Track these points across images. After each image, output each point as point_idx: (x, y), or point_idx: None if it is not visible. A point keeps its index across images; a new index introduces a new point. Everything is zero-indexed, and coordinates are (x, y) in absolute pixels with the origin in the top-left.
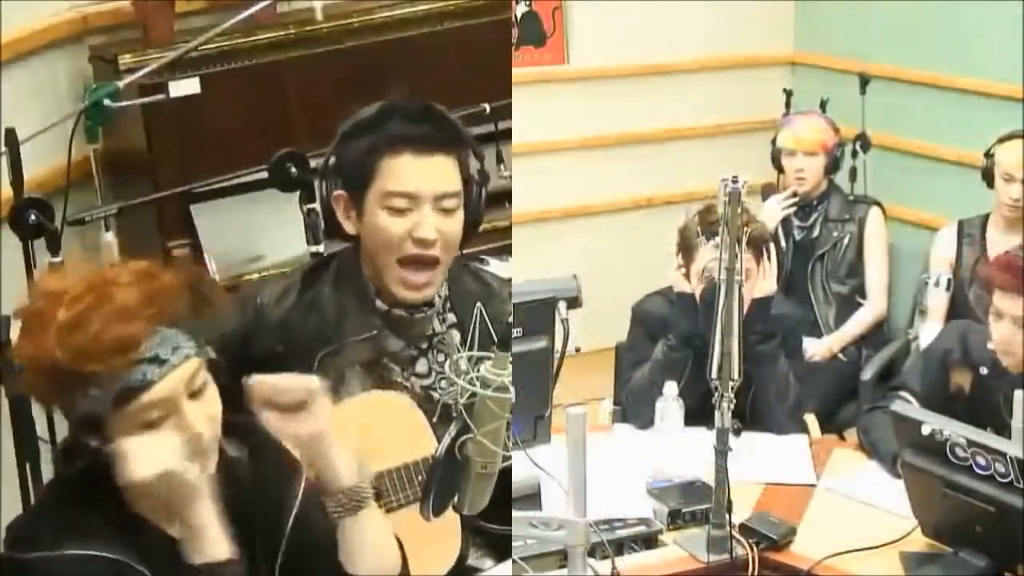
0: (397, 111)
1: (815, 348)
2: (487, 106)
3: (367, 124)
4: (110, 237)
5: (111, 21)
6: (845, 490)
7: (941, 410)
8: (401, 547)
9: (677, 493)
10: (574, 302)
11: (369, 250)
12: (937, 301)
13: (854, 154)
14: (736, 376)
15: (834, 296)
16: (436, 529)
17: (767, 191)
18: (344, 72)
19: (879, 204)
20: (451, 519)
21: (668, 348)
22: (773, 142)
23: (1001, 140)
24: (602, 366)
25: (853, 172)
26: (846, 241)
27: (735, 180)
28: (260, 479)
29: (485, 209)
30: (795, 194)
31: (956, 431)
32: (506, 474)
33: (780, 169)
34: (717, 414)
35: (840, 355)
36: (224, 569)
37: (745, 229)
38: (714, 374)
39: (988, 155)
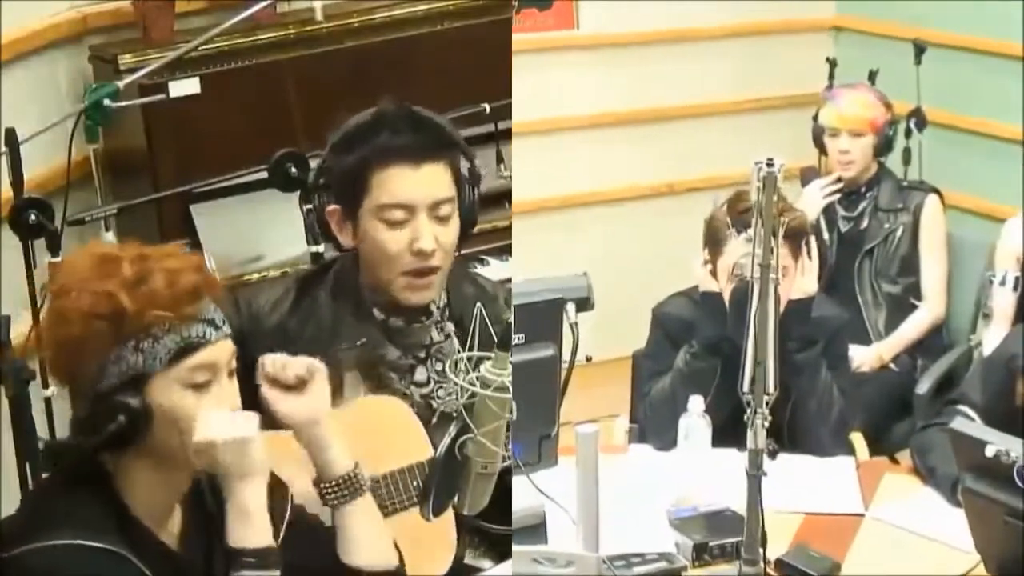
0: (384, 122)
1: (863, 357)
2: (487, 106)
3: (355, 137)
4: (110, 237)
5: (111, 21)
6: (897, 520)
7: (1008, 428)
8: (398, 548)
9: (703, 524)
10: (584, 304)
11: (368, 263)
12: (1004, 302)
13: (908, 133)
14: (771, 389)
15: (885, 297)
16: (433, 531)
17: (807, 176)
18: (344, 72)
19: (937, 191)
20: (448, 521)
21: (693, 357)
22: (814, 119)
23: None
24: (617, 378)
25: (907, 154)
26: (899, 233)
27: (770, 163)
28: None
29: (483, 209)
30: (840, 179)
31: None
32: (506, 474)
33: (822, 150)
34: (750, 433)
35: (892, 365)
36: (265, 557)
37: (782, 220)
38: (746, 387)
39: None
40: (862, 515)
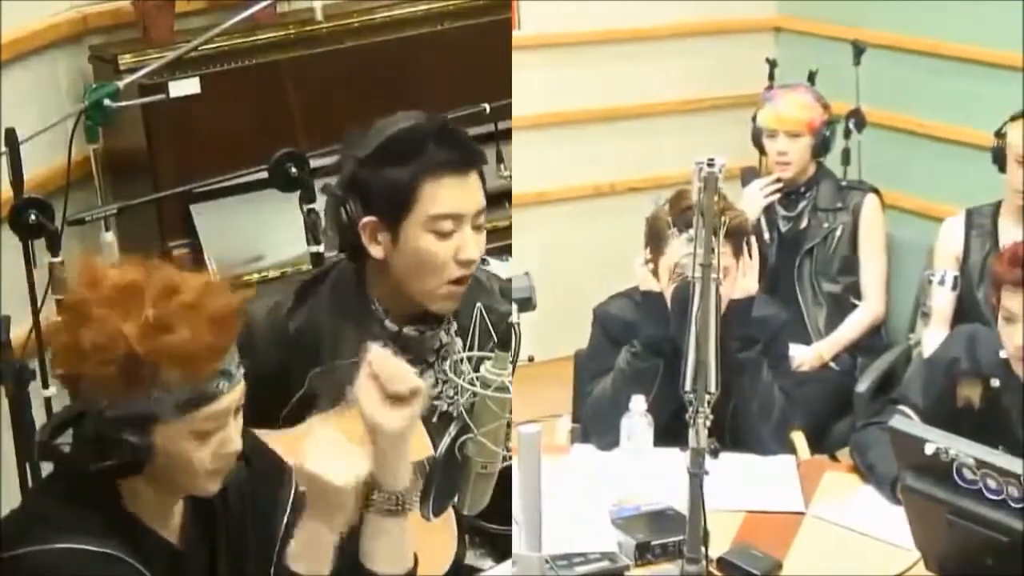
0: (428, 135)
1: (803, 356)
2: (487, 106)
3: (397, 150)
4: (110, 237)
5: (111, 21)
6: (838, 518)
7: (946, 426)
8: (415, 558)
9: (645, 523)
10: (526, 304)
11: (404, 273)
12: (942, 302)
13: (847, 134)
14: (713, 388)
15: (825, 296)
16: (433, 530)
17: (748, 176)
18: (344, 72)
19: (876, 191)
20: (448, 520)
21: (634, 356)
22: (753, 120)
23: (1014, 118)
24: (559, 378)
25: (846, 154)
26: (838, 233)
27: (711, 163)
28: (253, 484)
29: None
30: (779, 179)
31: (963, 450)
32: (506, 473)
33: (762, 151)
34: (691, 432)
35: (832, 364)
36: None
37: (723, 219)
38: (688, 386)
39: (1000, 135)
40: (803, 513)
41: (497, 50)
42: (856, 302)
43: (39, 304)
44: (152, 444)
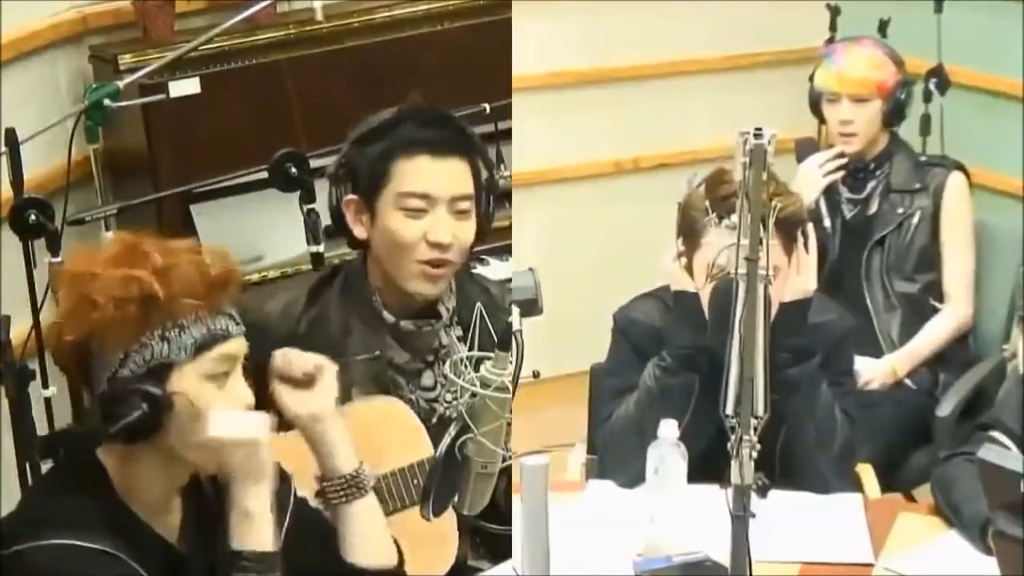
0: (413, 115)
1: (872, 371)
2: (487, 106)
3: (382, 128)
4: (110, 237)
5: (111, 21)
6: (915, 570)
7: None
8: (399, 547)
9: None
10: (531, 307)
11: (381, 254)
12: None
13: (927, 97)
14: (761, 412)
15: (899, 298)
16: (433, 531)
17: (804, 149)
18: (344, 72)
19: (962, 167)
20: (449, 522)
21: (664, 371)
22: (811, 80)
23: None
24: (570, 398)
25: (925, 122)
26: (915, 220)
27: (759, 134)
28: None
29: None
30: (842, 154)
31: None
32: (507, 473)
33: (821, 119)
34: (734, 465)
35: (908, 381)
36: (265, 561)
37: (773, 204)
38: (729, 409)
39: None
40: (871, 565)
41: (497, 50)
42: (938, 305)
43: (39, 304)
44: (169, 394)
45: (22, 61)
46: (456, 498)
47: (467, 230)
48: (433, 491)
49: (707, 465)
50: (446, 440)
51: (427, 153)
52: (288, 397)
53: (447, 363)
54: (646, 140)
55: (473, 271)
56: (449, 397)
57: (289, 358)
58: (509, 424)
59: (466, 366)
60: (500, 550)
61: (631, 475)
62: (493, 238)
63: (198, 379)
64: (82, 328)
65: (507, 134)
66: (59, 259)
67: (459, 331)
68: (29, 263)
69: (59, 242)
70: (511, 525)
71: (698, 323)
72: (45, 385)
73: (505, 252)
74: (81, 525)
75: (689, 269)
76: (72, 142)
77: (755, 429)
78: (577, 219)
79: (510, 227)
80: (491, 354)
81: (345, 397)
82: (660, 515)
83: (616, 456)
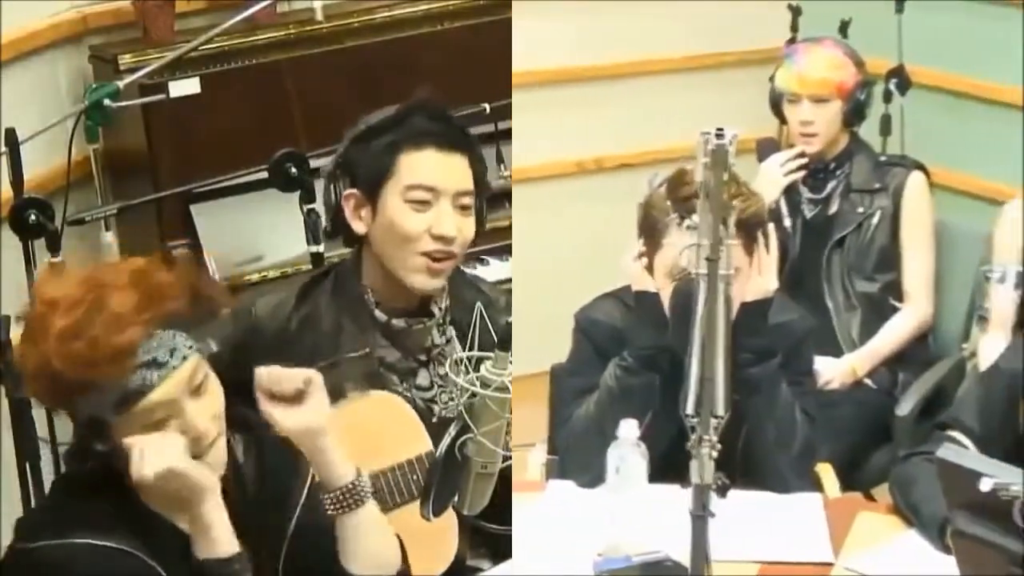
0: (421, 108)
1: (832, 371)
2: (487, 106)
3: (389, 122)
4: (110, 237)
5: (111, 21)
6: (874, 570)
7: (1009, 457)
8: (402, 545)
9: None
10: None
11: (382, 248)
12: (1003, 303)
13: (887, 97)
14: (721, 411)
15: (859, 297)
16: (433, 529)
17: (765, 149)
18: (344, 72)
19: (922, 167)
20: (449, 520)
21: (624, 371)
22: (772, 80)
23: None
24: (531, 398)
25: (886, 123)
26: (876, 220)
27: (720, 134)
28: (262, 476)
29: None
30: (803, 154)
31: None
32: (506, 473)
33: (782, 119)
34: (694, 465)
35: (868, 380)
36: (228, 566)
37: (734, 204)
38: (690, 408)
39: None
40: (831, 564)
41: (497, 50)
42: (898, 304)
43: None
44: (116, 445)
45: (22, 61)
46: (456, 498)
47: (469, 225)
48: (433, 491)
49: (668, 465)
50: (446, 440)
51: (434, 146)
52: (279, 414)
53: (447, 363)
54: (608, 140)
55: (465, 271)
56: (446, 398)
57: (276, 376)
58: (509, 424)
59: (466, 368)
60: (500, 550)
61: (592, 475)
62: (493, 238)
63: (138, 430)
64: (33, 393)
65: (507, 134)
66: (59, 259)
67: (452, 331)
68: (29, 263)
69: (59, 242)
70: (511, 525)
71: (659, 323)
72: None
73: (505, 252)
74: (98, 524)
75: (650, 269)
76: (72, 142)
77: (715, 429)
78: (539, 219)
79: (510, 227)
80: (491, 354)
81: (337, 395)
82: (620, 515)
83: (577, 456)
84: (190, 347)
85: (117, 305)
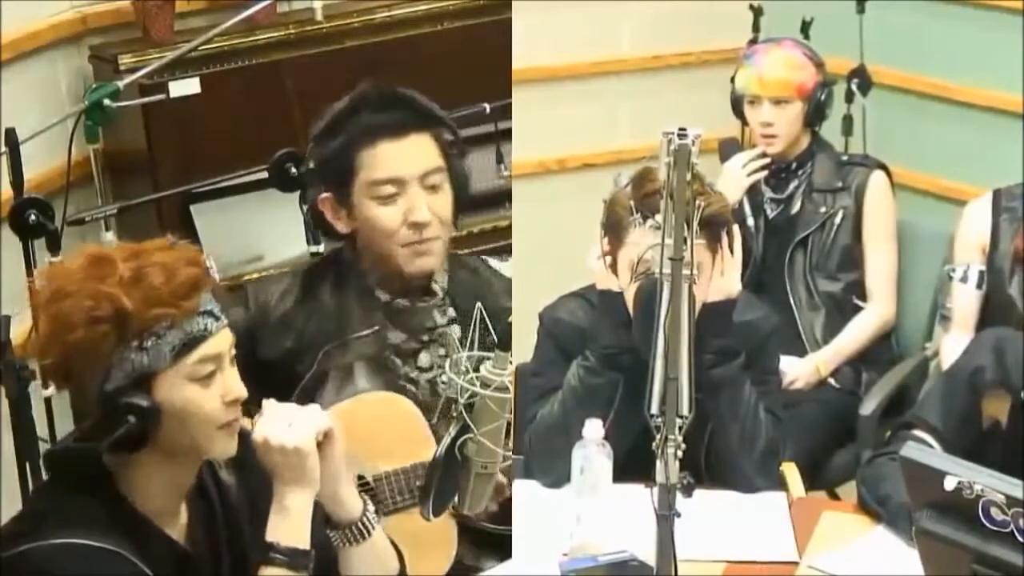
0: (365, 103)
1: (796, 370)
2: (487, 106)
3: (338, 120)
4: (110, 237)
5: (111, 21)
6: (839, 568)
7: (971, 455)
8: (399, 553)
9: None
10: None
11: (368, 242)
12: (965, 302)
13: (848, 97)
14: (685, 411)
15: (822, 297)
16: (433, 531)
17: (728, 150)
18: (344, 72)
19: (883, 167)
20: (448, 521)
21: (588, 371)
22: (733, 82)
23: None
24: None
25: (847, 123)
26: (838, 219)
27: (683, 134)
28: (253, 484)
29: (483, 209)
30: (765, 155)
31: (991, 484)
32: (506, 472)
33: (744, 121)
34: (659, 465)
35: (831, 380)
36: (297, 556)
37: (697, 203)
38: (654, 408)
39: None
40: (795, 563)
41: (497, 50)
42: (860, 304)
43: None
44: (157, 402)
45: (22, 61)
46: (456, 498)
47: (442, 202)
48: (433, 491)
49: (632, 464)
50: (446, 440)
51: (387, 137)
52: (286, 433)
53: (448, 347)
54: (571, 140)
55: (470, 257)
56: (447, 378)
57: (276, 412)
58: (509, 424)
59: (467, 368)
60: (500, 550)
61: (556, 475)
62: (493, 238)
63: (183, 383)
64: (61, 350)
65: (507, 134)
66: (59, 259)
67: (452, 313)
68: (29, 263)
69: (59, 242)
70: (511, 525)
71: (622, 322)
72: (45, 385)
73: (505, 252)
74: (85, 524)
75: (614, 268)
76: (72, 142)
77: (680, 428)
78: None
79: (510, 227)
80: (491, 354)
81: (346, 378)
82: (586, 515)
83: (541, 456)
84: (223, 312)
85: (176, 253)
